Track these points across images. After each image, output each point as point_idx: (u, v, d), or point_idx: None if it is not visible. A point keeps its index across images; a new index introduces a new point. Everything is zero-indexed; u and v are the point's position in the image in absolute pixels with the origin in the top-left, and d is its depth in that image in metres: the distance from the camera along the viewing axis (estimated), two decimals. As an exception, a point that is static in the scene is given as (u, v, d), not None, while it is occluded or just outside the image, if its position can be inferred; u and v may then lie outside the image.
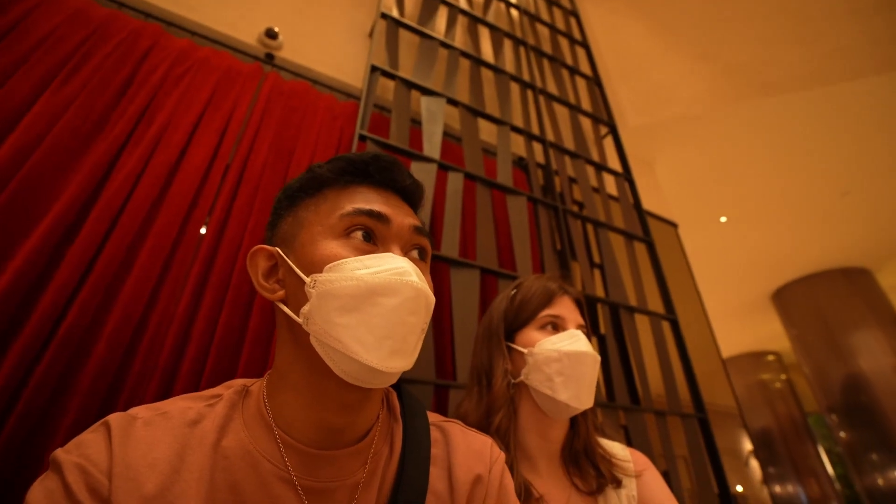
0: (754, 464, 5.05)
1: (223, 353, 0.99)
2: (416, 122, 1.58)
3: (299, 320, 0.43)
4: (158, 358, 0.93)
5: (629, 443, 1.28)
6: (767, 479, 6.24)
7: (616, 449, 0.80)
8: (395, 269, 0.43)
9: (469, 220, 1.53)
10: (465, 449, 0.51)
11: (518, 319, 0.80)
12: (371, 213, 0.46)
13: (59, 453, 0.37)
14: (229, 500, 0.38)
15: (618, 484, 0.74)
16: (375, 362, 0.40)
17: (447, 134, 1.63)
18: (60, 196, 0.96)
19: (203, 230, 1.12)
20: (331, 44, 1.77)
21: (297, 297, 0.44)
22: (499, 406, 0.74)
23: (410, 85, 1.53)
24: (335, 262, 0.43)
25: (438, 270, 1.32)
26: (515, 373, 0.78)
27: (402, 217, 0.48)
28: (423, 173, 1.34)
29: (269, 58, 1.56)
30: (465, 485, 0.48)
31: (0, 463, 0.74)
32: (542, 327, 0.78)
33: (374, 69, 1.45)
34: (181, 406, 0.43)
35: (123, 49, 1.19)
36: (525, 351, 0.76)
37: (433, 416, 0.55)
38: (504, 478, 0.52)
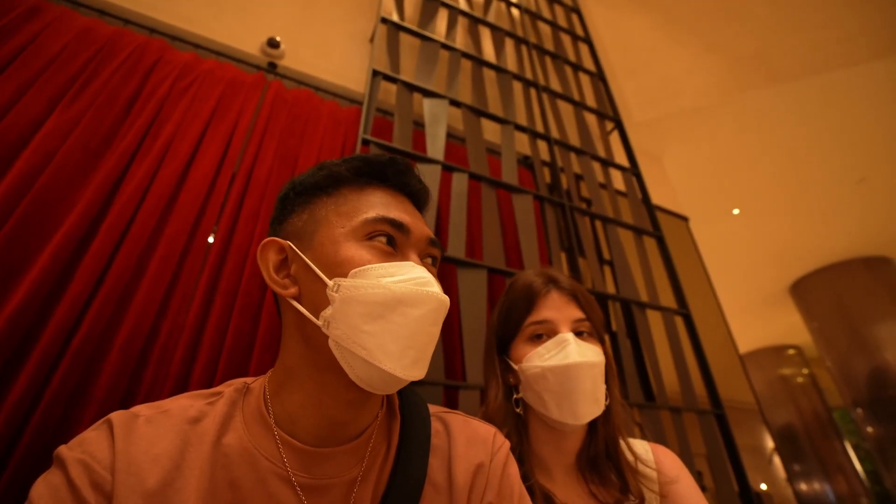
0: (778, 461, 4.93)
1: (234, 359, 1.00)
2: (419, 125, 1.58)
3: (318, 322, 0.43)
4: (170, 366, 0.94)
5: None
6: (792, 477, 6.08)
7: (637, 447, 0.73)
8: (418, 278, 0.44)
9: (475, 220, 1.52)
10: (466, 439, 0.51)
11: (507, 332, 0.73)
12: (394, 223, 0.46)
13: (63, 450, 0.38)
14: (228, 497, 0.39)
15: (641, 500, 0.66)
16: (399, 371, 0.41)
17: (451, 135, 1.63)
18: (72, 210, 0.98)
19: (211, 238, 1.13)
20: (332, 51, 1.78)
21: (316, 297, 0.44)
22: (497, 424, 0.67)
23: (412, 88, 1.53)
24: (361, 268, 0.43)
25: (445, 271, 1.32)
26: (518, 387, 0.72)
27: (420, 227, 0.49)
28: (427, 175, 1.34)
29: (272, 67, 1.58)
30: (466, 475, 0.47)
31: (16, 477, 0.75)
32: (529, 339, 0.70)
33: (375, 73, 1.46)
34: (182, 404, 0.44)
35: (130, 65, 1.21)
36: (516, 368, 0.70)
37: (435, 408, 0.55)
38: (508, 466, 0.51)
